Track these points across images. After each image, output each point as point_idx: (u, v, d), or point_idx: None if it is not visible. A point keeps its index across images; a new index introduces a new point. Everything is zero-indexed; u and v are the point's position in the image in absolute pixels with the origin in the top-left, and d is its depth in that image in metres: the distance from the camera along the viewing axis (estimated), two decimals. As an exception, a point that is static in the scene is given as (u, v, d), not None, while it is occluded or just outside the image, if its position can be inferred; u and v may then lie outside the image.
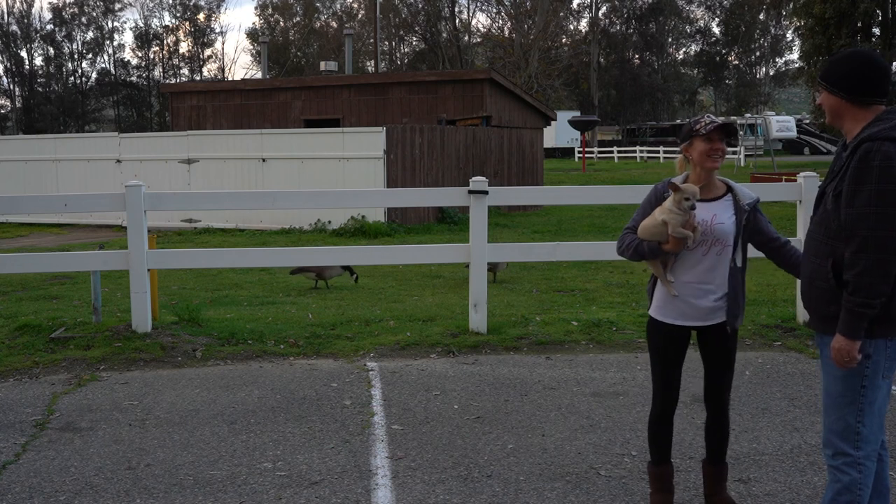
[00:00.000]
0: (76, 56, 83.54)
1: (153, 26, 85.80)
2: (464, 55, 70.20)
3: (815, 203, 3.33)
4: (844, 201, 3.05)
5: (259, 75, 65.62)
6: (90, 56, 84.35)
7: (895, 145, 2.97)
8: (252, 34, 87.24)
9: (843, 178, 3.09)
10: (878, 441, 3.21)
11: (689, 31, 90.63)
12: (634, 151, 58.73)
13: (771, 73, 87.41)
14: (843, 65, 3.17)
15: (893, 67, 37.09)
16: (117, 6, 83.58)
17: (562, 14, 60.81)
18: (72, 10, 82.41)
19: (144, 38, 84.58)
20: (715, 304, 3.73)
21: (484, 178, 7.13)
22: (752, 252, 3.89)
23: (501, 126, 21.68)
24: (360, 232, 16.00)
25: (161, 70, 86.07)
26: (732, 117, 65.55)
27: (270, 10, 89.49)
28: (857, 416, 3.14)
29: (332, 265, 9.98)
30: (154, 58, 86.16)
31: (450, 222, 17.93)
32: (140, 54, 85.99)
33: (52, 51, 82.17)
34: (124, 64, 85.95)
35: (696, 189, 3.63)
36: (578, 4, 79.85)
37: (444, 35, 72.87)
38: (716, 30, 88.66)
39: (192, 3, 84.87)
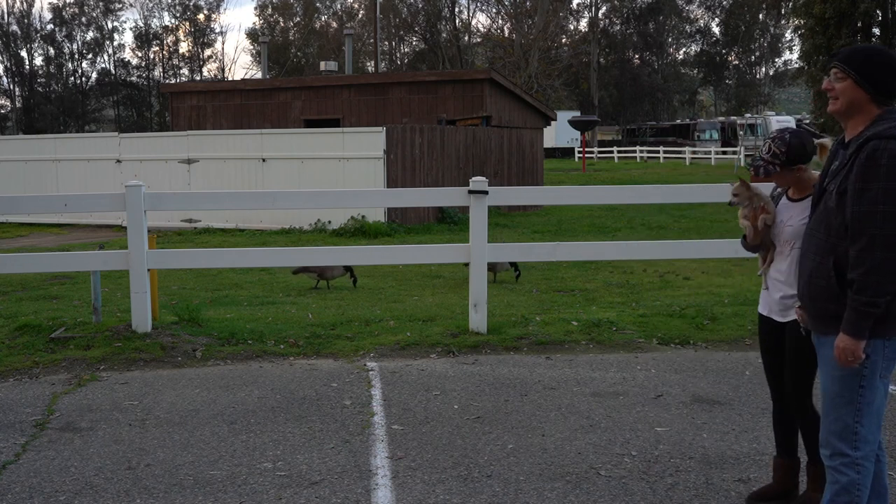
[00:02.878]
0: (76, 56, 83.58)
1: (153, 26, 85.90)
2: (464, 55, 70.21)
3: (814, 201, 3.33)
4: (850, 199, 3.04)
5: (259, 75, 65.62)
6: (90, 56, 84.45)
7: None
8: (252, 34, 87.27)
9: (847, 175, 3.07)
10: (877, 441, 3.21)
11: (688, 31, 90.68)
12: (634, 151, 58.74)
13: (771, 73, 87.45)
14: (878, 60, 3.10)
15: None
16: (117, 6, 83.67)
17: (562, 14, 60.81)
18: (72, 10, 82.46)
19: (144, 39, 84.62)
20: (782, 300, 3.73)
21: (484, 178, 7.13)
22: None
23: (501, 126, 21.67)
24: (360, 232, 16.00)
25: (161, 70, 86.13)
26: (733, 117, 65.57)
27: (270, 11, 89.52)
28: (854, 416, 3.14)
29: (333, 265, 9.98)
30: (154, 58, 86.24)
31: (450, 222, 17.93)
32: (140, 54, 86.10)
33: (52, 51, 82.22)
34: (124, 64, 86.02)
35: (736, 186, 3.81)
36: (578, 4, 79.97)
37: (444, 35, 72.92)
38: (716, 30, 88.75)
39: (191, 4, 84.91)
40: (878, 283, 2.97)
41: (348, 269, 10.30)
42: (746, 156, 45.01)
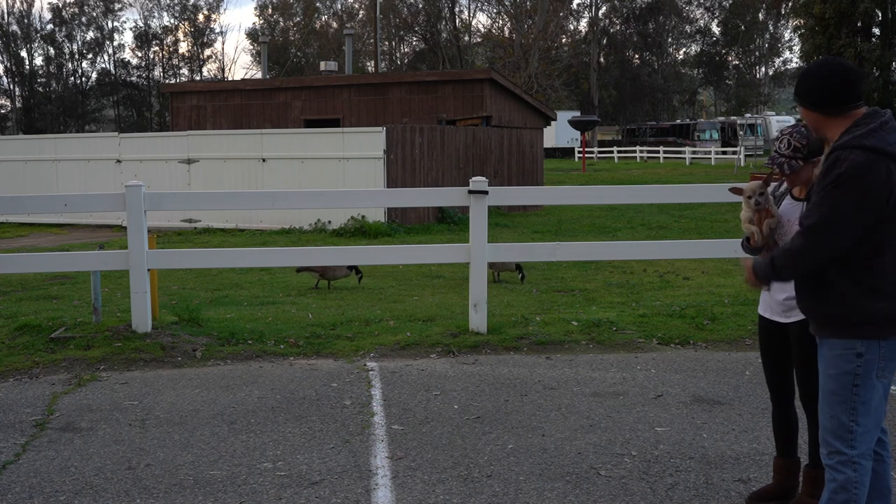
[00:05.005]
0: (76, 56, 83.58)
1: (153, 26, 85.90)
2: (464, 55, 70.24)
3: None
4: (809, 206, 3.14)
5: (259, 75, 65.61)
6: (90, 56, 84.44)
7: (864, 153, 2.98)
8: (252, 34, 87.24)
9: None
10: (874, 440, 3.22)
11: (688, 31, 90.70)
12: (634, 151, 58.72)
13: (770, 73, 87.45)
14: (810, 79, 3.19)
15: (893, 67, 37.10)
16: (117, 6, 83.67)
17: (562, 14, 60.79)
18: (72, 10, 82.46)
19: (144, 38, 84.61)
20: (786, 302, 3.71)
21: (484, 178, 7.13)
22: None
23: (501, 126, 21.67)
24: (360, 232, 16.00)
25: (161, 70, 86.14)
26: (733, 117, 65.57)
27: (270, 11, 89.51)
28: (850, 414, 3.15)
29: (335, 266, 9.96)
30: (154, 58, 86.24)
31: (450, 222, 17.92)
32: (140, 54, 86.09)
33: (52, 51, 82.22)
34: (124, 64, 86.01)
35: (755, 186, 3.67)
36: (578, 4, 79.91)
37: (444, 35, 72.94)
38: (716, 30, 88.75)
39: (190, 4, 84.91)
40: (785, 267, 3.21)
41: (352, 268, 10.27)
42: (746, 156, 45.01)
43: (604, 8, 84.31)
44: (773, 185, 3.81)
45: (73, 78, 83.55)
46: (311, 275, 10.49)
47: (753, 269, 3.40)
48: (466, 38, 73.61)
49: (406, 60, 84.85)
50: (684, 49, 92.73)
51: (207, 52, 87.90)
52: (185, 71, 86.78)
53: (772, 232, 3.71)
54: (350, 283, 10.55)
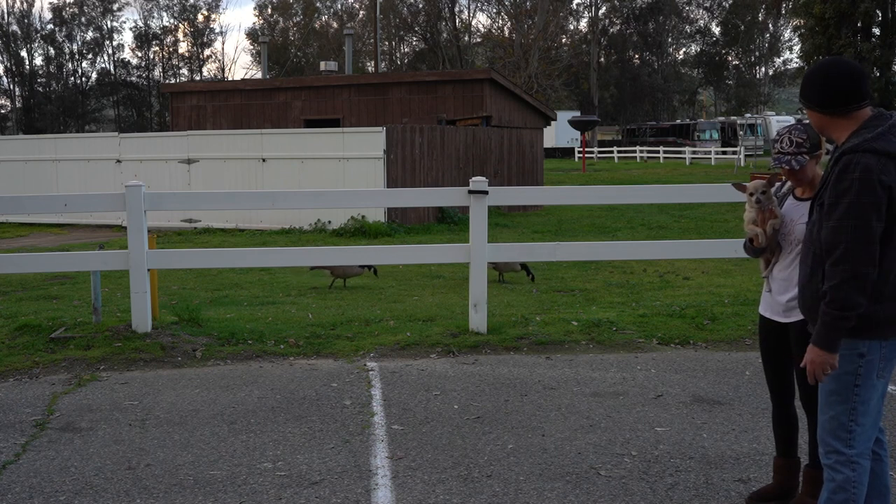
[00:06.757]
0: (76, 56, 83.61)
1: (152, 27, 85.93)
2: (464, 55, 70.26)
3: (810, 210, 3.34)
4: (825, 214, 3.07)
5: (259, 75, 65.63)
6: (90, 56, 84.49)
7: (875, 157, 2.96)
8: (252, 34, 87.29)
9: (827, 188, 3.10)
10: (872, 439, 3.22)
11: (688, 31, 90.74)
12: (634, 151, 58.74)
13: (770, 73, 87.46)
14: (815, 80, 3.17)
15: (894, 68, 37.11)
16: (116, 6, 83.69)
17: (562, 14, 60.79)
18: (72, 10, 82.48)
19: (144, 38, 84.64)
20: (789, 302, 3.69)
21: (484, 178, 7.12)
22: None
23: (501, 126, 21.67)
24: (360, 232, 16.01)
25: (161, 70, 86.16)
26: (733, 117, 65.57)
27: (270, 11, 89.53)
28: (850, 414, 3.14)
29: (344, 265, 9.97)
30: (154, 58, 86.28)
31: (450, 222, 17.93)
32: (140, 54, 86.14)
33: (52, 51, 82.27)
34: (124, 64, 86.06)
35: (758, 185, 3.64)
36: (578, 4, 79.93)
37: (444, 35, 72.95)
38: (715, 30, 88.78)
39: (190, 4, 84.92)
40: (846, 297, 2.98)
41: (365, 267, 10.30)
42: (746, 156, 45.01)
43: (604, 8, 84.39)
44: (775, 185, 3.81)
45: (73, 78, 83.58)
46: (323, 272, 10.54)
47: (819, 346, 3.07)
48: (466, 38, 73.64)
49: (406, 60, 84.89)
50: (684, 49, 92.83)
51: (207, 52, 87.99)
52: (185, 71, 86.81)
53: (775, 233, 3.70)
54: (351, 282, 10.55)
